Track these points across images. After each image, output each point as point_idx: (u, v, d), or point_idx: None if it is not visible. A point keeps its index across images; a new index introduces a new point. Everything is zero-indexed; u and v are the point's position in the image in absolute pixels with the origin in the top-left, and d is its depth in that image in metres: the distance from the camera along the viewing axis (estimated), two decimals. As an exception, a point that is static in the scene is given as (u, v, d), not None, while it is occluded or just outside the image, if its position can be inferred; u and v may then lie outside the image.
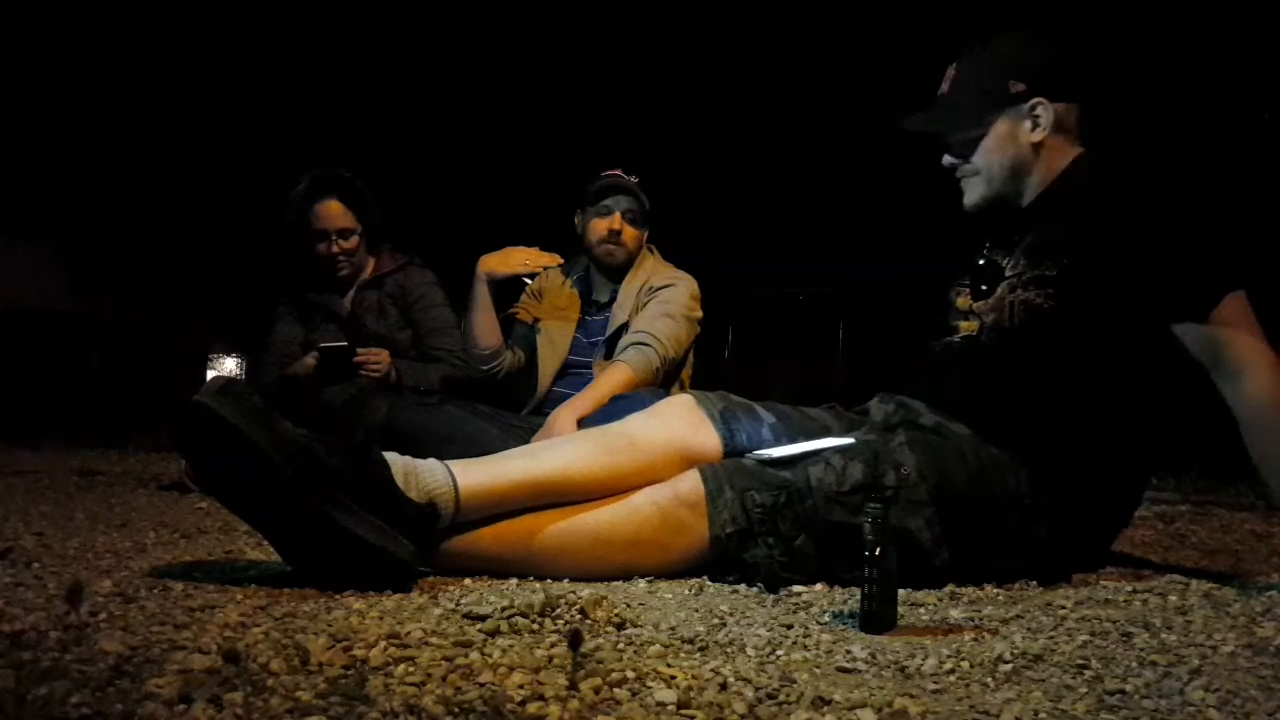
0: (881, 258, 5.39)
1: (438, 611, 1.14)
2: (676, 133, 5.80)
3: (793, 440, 1.54)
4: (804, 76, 5.69)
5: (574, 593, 1.21)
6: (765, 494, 1.42)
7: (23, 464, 3.16)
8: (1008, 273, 1.63)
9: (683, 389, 2.53)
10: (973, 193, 1.71)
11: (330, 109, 5.89)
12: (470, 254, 2.56)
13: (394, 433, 2.26)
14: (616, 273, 2.58)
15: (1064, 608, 1.25)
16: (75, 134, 5.73)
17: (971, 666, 0.98)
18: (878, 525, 1.17)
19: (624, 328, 2.47)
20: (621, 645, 1.02)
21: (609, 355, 2.47)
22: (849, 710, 0.82)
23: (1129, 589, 1.36)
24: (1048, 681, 0.93)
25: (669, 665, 0.93)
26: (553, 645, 0.99)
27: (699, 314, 2.53)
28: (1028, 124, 1.65)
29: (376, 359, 2.70)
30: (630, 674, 0.88)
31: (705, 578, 1.44)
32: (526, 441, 2.11)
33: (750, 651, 1.03)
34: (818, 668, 0.98)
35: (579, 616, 1.12)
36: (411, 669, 0.87)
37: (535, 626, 1.08)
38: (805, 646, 1.06)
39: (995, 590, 1.42)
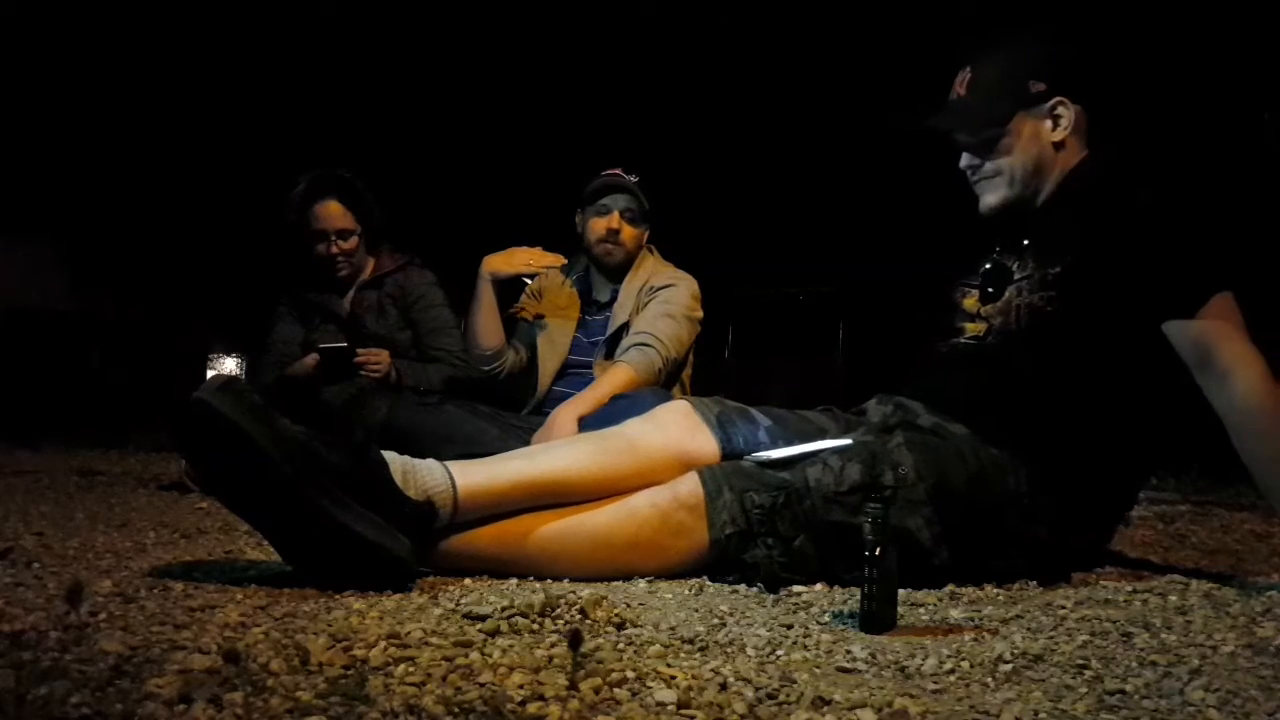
0: (881, 258, 5.39)
1: (438, 611, 1.14)
2: (676, 132, 5.80)
3: (789, 443, 1.54)
4: (804, 76, 5.69)
5: (574, 593, 1.21)
6: (764, 495, 1.42)
7: (23, 464, 3.16)
8: (1016, 275, 1.63)
9: (684, 389, 2.53)
10: (994, 194, 1.69)
11: (330, 109, 5.89)
12: (471, 254, 2.57)
13: (393, 432, 2.26)
14: (616, 272, 2.58)
15: (1064, 608, 1.25)
16: (75, 134, 5.72)
17: (971, 666, 0.98)
18: (878, 525, 1.17)
19: (624, 328, 2.47)
20: (621, 645, 1.02)
21: (609, 355, 2.47)
22: (849, 710, 0.82)
23: (1129, 589, 1.36)
24: (1048, 681, 0.93)
25: (669, 665, 0.93)
26: (553, 645, 0.99)
27: (700, 314, 2.53)
28: (1048, 123, 1.65)
29: (376, 359, 2.70)
30: (630, 674, 0.88)
31: (705, 578, 1.44)
32: (526, 441, 2.12)
33: (750, 651, 1.03)
34: (818, 668, 0.98)
35: (579, 616, 1.12)
36: (411, 669, 0.87)
37: (535, 626, 1.08)
38: (805, 646, 1.06)
39: (995, 590, 1.42)
